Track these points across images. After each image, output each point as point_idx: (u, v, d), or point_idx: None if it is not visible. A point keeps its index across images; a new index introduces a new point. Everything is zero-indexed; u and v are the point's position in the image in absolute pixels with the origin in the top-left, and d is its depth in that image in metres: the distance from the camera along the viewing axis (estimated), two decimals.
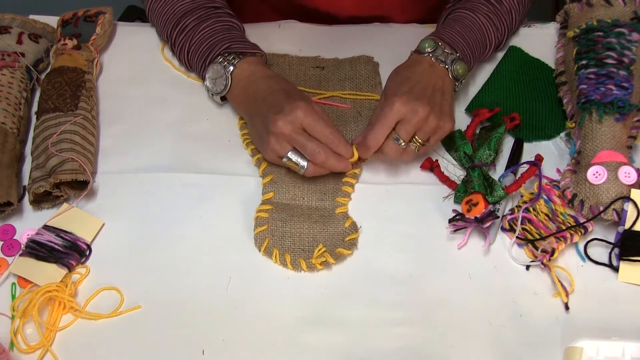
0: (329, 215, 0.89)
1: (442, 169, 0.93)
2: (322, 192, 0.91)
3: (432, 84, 0.89)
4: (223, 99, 0.97)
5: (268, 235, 0.87)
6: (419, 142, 0.87)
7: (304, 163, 0.87)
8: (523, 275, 0.85)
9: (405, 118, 0.85)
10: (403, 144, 0.87)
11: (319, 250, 0.86)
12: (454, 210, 0.88)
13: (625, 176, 0.85)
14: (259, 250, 0.87)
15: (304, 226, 0.88)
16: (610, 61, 0.92)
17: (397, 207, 0.91)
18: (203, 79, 0.97)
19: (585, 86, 0.92)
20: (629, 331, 0.80)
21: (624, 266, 0.84)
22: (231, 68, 0.93)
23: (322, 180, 0.91)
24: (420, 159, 0.94)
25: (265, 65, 0.95)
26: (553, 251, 0.83)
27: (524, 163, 0.92)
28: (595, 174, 0.86)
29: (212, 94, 0.97)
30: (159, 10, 1.01)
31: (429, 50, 0.91)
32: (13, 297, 0.84)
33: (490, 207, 0.85)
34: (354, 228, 0.88)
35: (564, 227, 0.86)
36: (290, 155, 0.86)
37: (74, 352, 0.80)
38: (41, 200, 0.90)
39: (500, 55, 1.05)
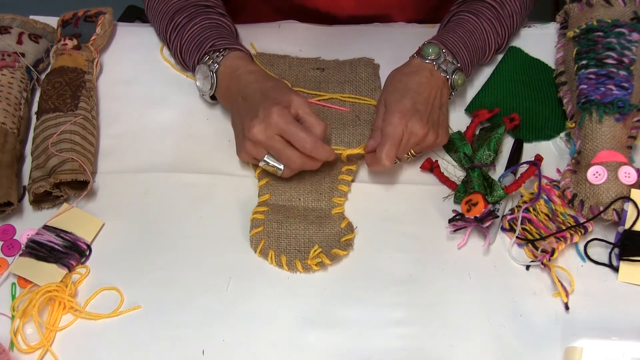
0: (325, 216, 0.89)
1: (442, 170, 0.93)
2: (318, 192, 0.91)
3: (432, 98, 0.90)
4: (214, 98, 0.97)
5: (264, 236, 0.87)
6: (412, 154, 0.90)
7: (281, 166, 0.87)
8: (523, 275, 0.85)
9: (404, 138, 0.87)
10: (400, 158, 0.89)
11: (315, 251, 0.86)
12: (454, 211, 0.88)
13: (625, 176, 0.85)
14: (255, 252, 0.87)
15: (300, 227, 0.88)
16: (610, 61, 0.92)
17: (397, 207, 0.91)
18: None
19: (585, 86, 0.92)
20: (629, 331, 0.80)
21: (624, 266, 0.84)
22: (216, 66, 0.93)
23: (318, 180, 0.91)
24: (420, 159, 0.94)
25: (249, 60, 0.95)
26: (553, 251, 0.83)
27: (523, 163, 0.92)
28: (595, 174, 0.86)
29: (202, 94, 0.97)
30: (155, 7, 1.01)
31: (432, 57, 0.92)
32: (13, 297, 0.84)
33: (490, 206, 0.85)
34: (350, 229, 0.88)
35: (564, 227, 0.85)
36: (267, 159, 0.87)
37: (74, 352, 0.80)
38: (41, 200, 0.90)
39: (500, 55, 1.05)
